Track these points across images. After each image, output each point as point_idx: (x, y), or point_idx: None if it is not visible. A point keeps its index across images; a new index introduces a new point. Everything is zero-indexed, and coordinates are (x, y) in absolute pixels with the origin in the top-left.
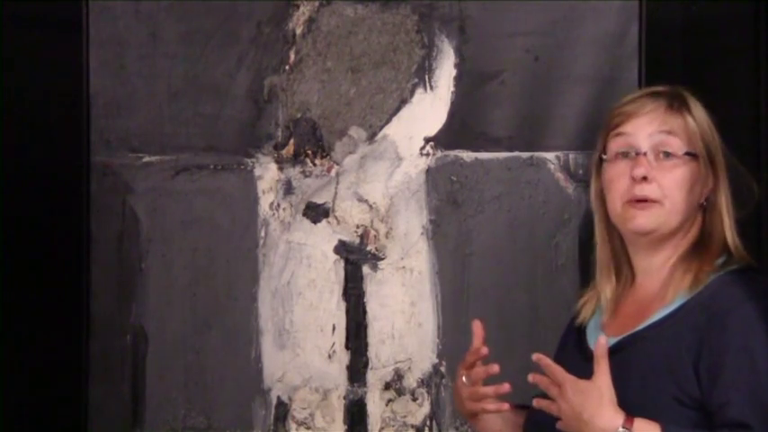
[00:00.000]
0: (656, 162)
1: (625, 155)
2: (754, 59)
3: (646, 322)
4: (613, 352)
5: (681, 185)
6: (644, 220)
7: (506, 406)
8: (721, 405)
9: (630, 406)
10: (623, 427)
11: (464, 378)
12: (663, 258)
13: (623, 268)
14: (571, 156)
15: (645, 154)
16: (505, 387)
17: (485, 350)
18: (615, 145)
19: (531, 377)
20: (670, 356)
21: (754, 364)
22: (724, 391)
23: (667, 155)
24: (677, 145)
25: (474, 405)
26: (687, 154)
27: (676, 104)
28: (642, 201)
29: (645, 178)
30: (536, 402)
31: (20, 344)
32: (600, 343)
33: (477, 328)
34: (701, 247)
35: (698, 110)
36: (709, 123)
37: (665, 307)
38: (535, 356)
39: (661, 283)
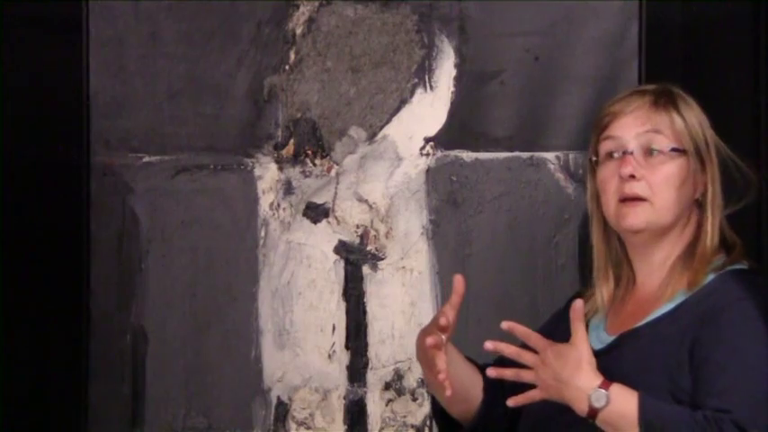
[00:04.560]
0: (645, 160)
1: (614, 155)
2: (754, 59)
3: (644, 320)
4: (611, 348)
5: (669, 182)
6: (634, 218)
7: (449, 392)
8: (705, 394)
9: None
10: (600, 388)
11: (429, 339)
12: (662, 256)
13: (624, 269)
14: (571, 156)
15: (632, 153)
16: (442, 376)
17: (448, 319)
18: (604, 147)
19: (489, 344)
20: (666, 353)
21: (743, 359)
22: (709, 382)
23: (654, 152)
24: (663, 142)
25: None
26: (674, 150)
27: (662, 101)
28: (632, 199)
29: (633, 176)
30: (499, 373)
31: (20, 344)
32: (575, 307)
33: (459, 283)
34: (700, 243)
35: (686, 106)
36: (699, 119)
37: (662, 306)
38: (506, 325)
39: (660, 282)
